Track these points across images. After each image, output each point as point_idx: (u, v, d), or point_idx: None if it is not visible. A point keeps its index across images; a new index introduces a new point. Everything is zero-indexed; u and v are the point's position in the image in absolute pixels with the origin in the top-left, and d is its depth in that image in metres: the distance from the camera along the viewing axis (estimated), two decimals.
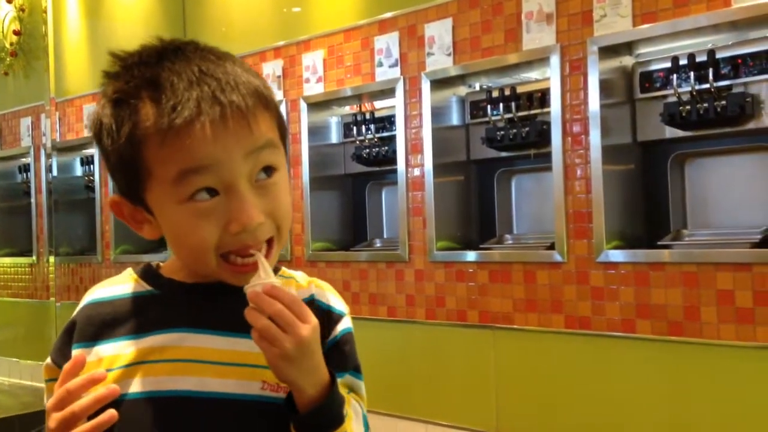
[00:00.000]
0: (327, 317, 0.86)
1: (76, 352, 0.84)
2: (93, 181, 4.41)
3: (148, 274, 0.89)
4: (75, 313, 0.89)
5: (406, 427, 2.96)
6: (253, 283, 0.79)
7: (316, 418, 0.80)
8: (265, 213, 0.80)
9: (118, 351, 0.84)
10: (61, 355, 0.86)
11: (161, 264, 0.91)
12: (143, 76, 0.80)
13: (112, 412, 0.76)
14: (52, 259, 3.90)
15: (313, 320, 0.79)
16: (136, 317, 0.85)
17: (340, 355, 0.86)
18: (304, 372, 0.78)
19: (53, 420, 0.76)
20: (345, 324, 0.89)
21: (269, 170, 0.82)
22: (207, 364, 0.82)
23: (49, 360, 0.88)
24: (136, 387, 0.82)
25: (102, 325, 0.86)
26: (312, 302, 0.88)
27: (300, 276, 0.92)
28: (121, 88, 0.81)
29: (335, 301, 0.90)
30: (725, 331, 2.20)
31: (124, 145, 0.80)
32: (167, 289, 0.87)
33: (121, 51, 0.85)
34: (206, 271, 0.84)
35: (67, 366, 0.78)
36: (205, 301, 0.86)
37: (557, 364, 2.57)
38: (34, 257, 4.55)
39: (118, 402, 0.79)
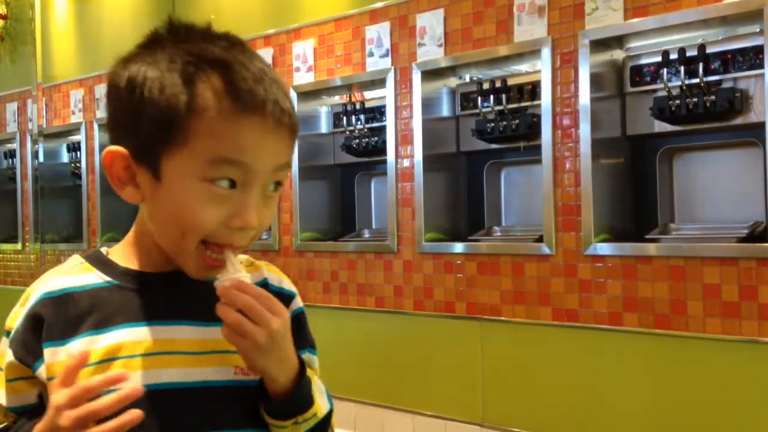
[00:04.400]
0: (279, 298, 0.87)
1: (53, 350, 0.81)
2: (79, 167, 4.38)
3: (101, 263, 0.87)
4: (32, 305, 0.84)
5: (393, 418, 2.96)
6: (222, 278, 0.81)
7: (289, 405, 0.84)
8: (259, 222, 0.83)
9: (87, 347, 0.81)
10: (28, 352, 0.82)
11: (108, 251, 0.89)
12: (213, 53, 0.79)
13: (137, 412, 0.74)
14: (37, 245, 3.88)
15: (284, 313, 0.82)
16: (100, 311, 0.83)
17: (296, 334, 0.87)
18: (275, 362, 0.81)
19: (66, 418, 0.73)
20: (297, 303, 0.94)
21: (277, 186, 0.84)
22: (181, 354, 0.83)
23: (11, 357, 0.83)
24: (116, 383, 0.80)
25: (68, 321, 0.83)
26: (266, 285, 0.91)
27: (244, 259, 0.93)
28: (194, 52, 0.79)
29: (286, 283, 0.94)
30: (711, 324, 2.22)
31: (172, 105, 0.78)
32: (126, 280, 0.85)
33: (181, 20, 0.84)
34: (175, 253, 0.83)
35: (71, 363, 0.75)
36: (167, 292, 0.85)
37: (544, 356, 2.58)
38: (20, 244, 4.53)
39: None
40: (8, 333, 0.85)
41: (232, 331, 0.79)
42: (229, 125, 0.78)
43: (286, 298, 0.91)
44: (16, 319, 0.85)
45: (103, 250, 0.89)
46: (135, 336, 0.82)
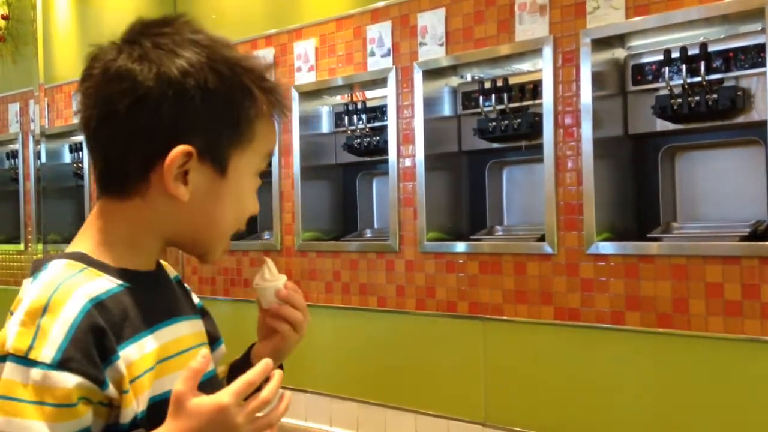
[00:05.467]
0: (185, 289, 1.00)
1: (117, 361, 0.79)
2: (81, 168, 4.38)
3: (102, 266, 0.84)
4: (82, 317, 0.77)
5: (395, 417, 2.96)
6: (266, 280, 0.96)
7: None
8: None
9: (141, 352, 0.82)
10: (98, 369, 0.77)
11: (86, 253, 0.86)
12: (247, 61, 0.88)
13: (290, 393, 0.88)
14: (40, 246, 3.88)
15: None
16: (132, 315, 0.83)
17: (214, 321, 1.01)
18: None
19: (243, 415, 0.78)
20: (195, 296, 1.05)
21: None
22: (195, 348, 0.90)
23: (78, 379, 0.75)
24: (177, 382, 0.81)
25: (111, 329, 0.80)
26: (180, 281, 1.01)
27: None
28: (235, 59, 0.87)
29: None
30: (713, 323, 2.22)
31: (247, 108, 0.87)
32: (133, 281, 0.85)
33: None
34: (211, 242, 0.90)
35: (198, 366, 0.79)
36: (158, 291, 0.90)
37: (546, 355, 2.58)
38: (22, 244, 4.53)
39: (167, 399, 0.79)
40: (30, 361, 0.75)
41: (294, 327, 0.97)
42: (272, 126, 0.91)
43: (189, 289, 1.02)
44: (44, 338, 0.76)
45: (86, 252, 0.86)
46: (168, 335, 0.86)
